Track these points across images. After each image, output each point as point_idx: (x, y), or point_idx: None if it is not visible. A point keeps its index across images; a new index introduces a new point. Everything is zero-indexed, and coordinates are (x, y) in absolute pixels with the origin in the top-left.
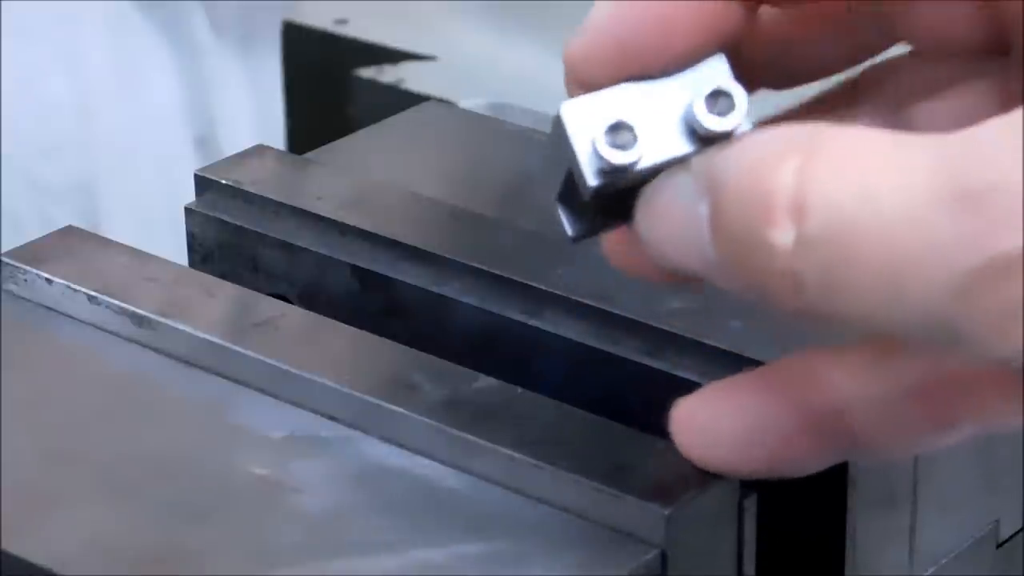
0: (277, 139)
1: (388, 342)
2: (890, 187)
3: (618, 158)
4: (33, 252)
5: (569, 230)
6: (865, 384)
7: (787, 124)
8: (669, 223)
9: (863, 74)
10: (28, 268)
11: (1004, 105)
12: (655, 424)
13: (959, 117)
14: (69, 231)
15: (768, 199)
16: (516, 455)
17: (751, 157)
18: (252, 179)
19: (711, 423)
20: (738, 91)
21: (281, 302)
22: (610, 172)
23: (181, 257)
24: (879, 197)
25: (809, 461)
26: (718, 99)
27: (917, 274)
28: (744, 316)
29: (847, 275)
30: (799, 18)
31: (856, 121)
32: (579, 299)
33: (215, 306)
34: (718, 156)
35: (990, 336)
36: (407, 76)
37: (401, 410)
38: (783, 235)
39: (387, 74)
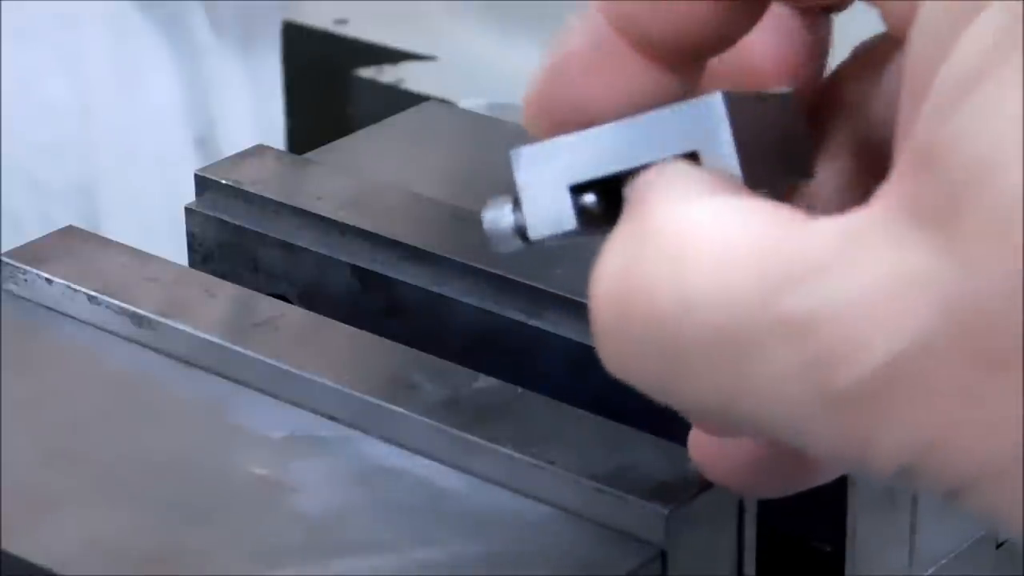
0: (277, 139)
1: (388, 342)
2: (715, 297)
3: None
4: (33, 252)
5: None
6: None
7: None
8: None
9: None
10: (28, 268)
11: None
12: (655, 424)
13: None
14: (69, 231)
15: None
16: (516, 455)
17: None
18: (252, 179)
19: (729, 446)
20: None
21: (281, 302)
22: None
23: (181, 257)
24: (699, 314)
25: (825, 475)
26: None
27: (759, 394)
28: None
29: (689, 365)
30: None
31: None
32: (579, 299)
33: (215, 306)
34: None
35: (842, 458)
36: (407, 76)
37: (401, 410)
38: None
39: (387, 74)
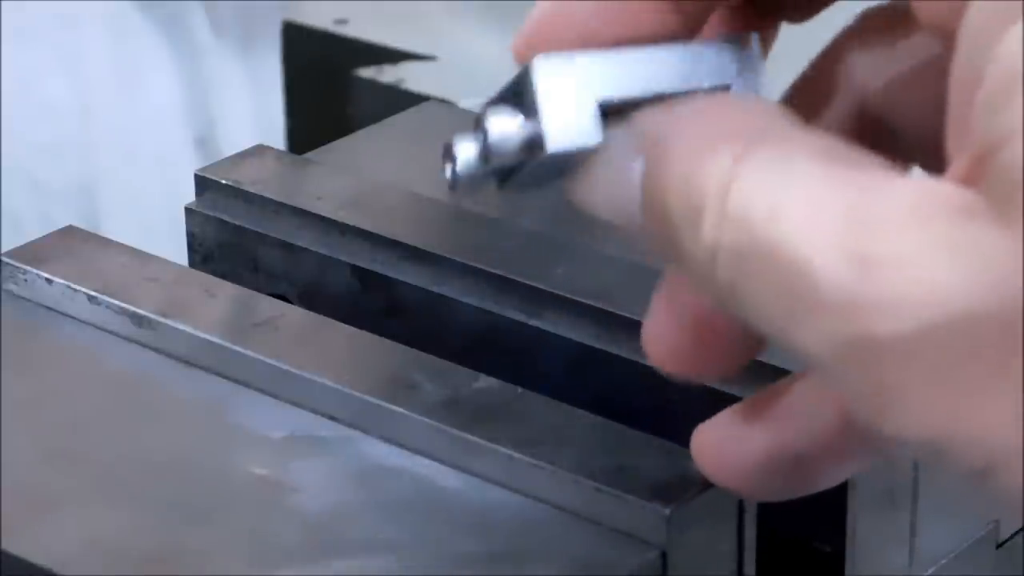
0: (277, 139)
1: (388, 342)
2: (799, 220)
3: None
4: (33, 252)
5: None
6: None
7: (745, 100)
8: (601, 176)
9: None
10: (28, 268)
11: None
12: (655, 424)
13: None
14: (69, 231)
15: (701, 179)
16: (516, 455)
17: (695, 131)
18: (252, 179)
19: (730, 449)
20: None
21: (281, 302)
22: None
23: (181, 257)
24: (787, 225)
25: (828, 481)
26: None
27: (803, 319)
28: None
29: (749, 286)
30: None
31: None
32: (579, 299)
33: (215, 306)
34: (660, 118)
35: (866, 408)
36: (407, 76)
37: (401, 410)
38: (708, 223)
39: (387, 74)
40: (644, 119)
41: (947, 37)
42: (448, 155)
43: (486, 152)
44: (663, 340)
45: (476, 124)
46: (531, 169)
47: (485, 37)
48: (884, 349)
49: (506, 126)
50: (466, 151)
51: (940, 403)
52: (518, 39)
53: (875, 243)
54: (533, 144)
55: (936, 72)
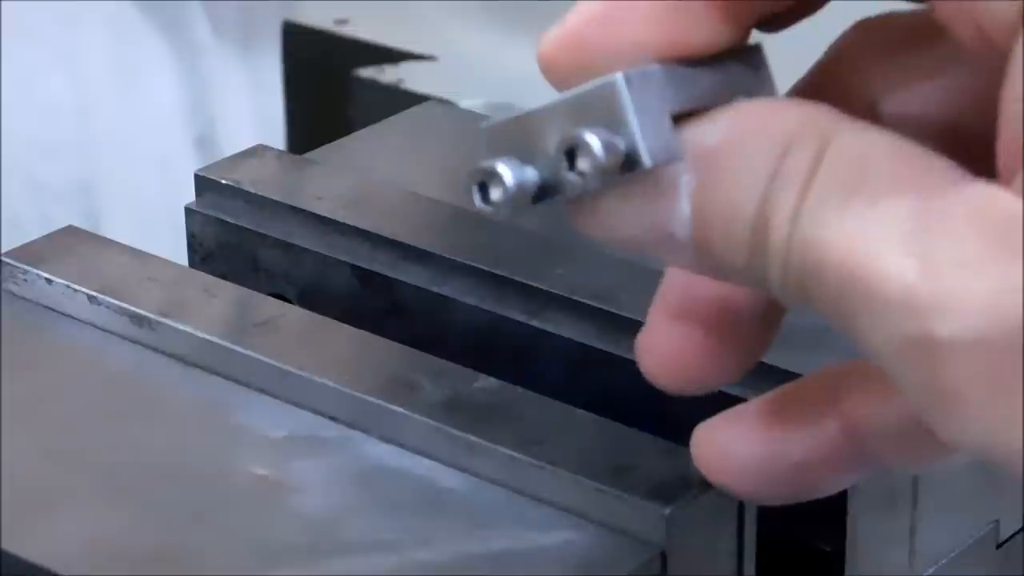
0: (277, 139)
1: (388, 342)
2: (867, 218)
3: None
4: (33, 252)
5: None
6: (886, 411)
7: (782, 103)
8: (637, 193)
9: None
10: (28, 268)
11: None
12: (655, 424)
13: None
14: (69, 231)
15: (770, 186)
16: (516, 455)
17: (755, 137)
18: (252, 179)
19: (730, 450)
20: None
21: (281, 302)
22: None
23: (181, 257)
24: (855, 224)
25: (827, 488)
26: (579, 153)
27: (867, 316)
28: None
29: (816, 283)
30: None
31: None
32: (579, 299)
33: (215, 306)
34: (714, 128)
35: (925, 409)
36: (407, 76)
37: (401, 410)
38: (778, 229)
39: (387, 74)
40: (695, 131)
41: (980, 48)
42: (490, 177)
43: (577, 171)
44: (663, 350)
45: (520, 142)
46: (592, 187)
47: (485, 37)
48: (943, 350)
49: (599, 144)
50: (515, 174)
51: (997, 408)
52: (550, 45)
53: (939, 244)
54: (634, 159)
55: (951, 79)
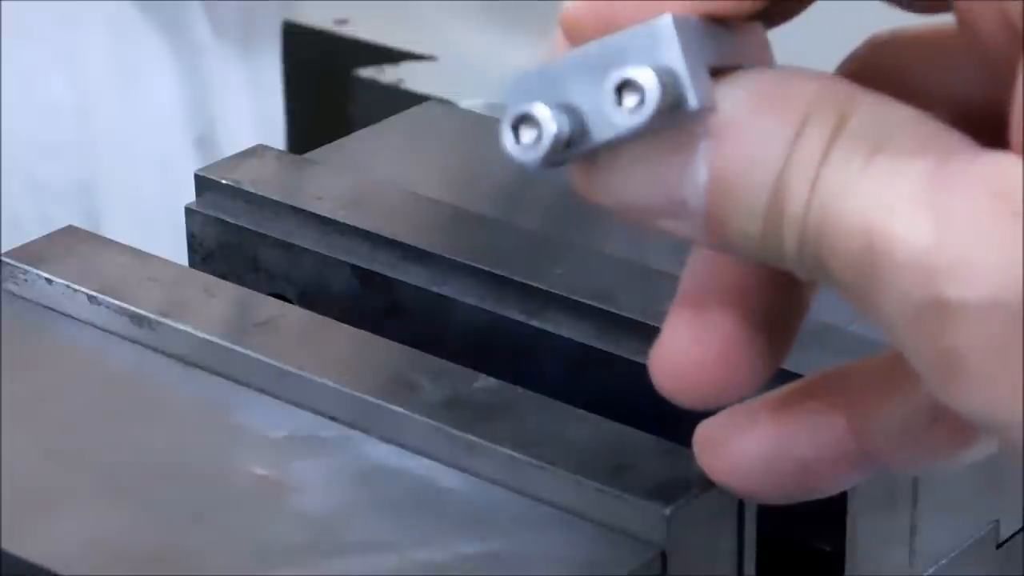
0: (277, 139)
1: (388, 342)
2: (883, 182)
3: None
4: (33, 252)
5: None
6: (889, 411)
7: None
8: (651, 156)
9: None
10: (28, 268)
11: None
12: (655, 424)
13: None
14: (69, 231)
15: (792, 152)
16: (516, 455)
17: (776, 103)
18: (252, 179)
19: (734, 448)
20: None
21: (281, 302)
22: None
23: (181, 257)
24: (871, 186)
25: (829, 488)
26: (625, 91)
27: (880, 280)
28: None
29: (831, 249)
30: None
31: None
32: (579, 299)
33: (215, 306)
34: (733, 93)
35: (934, 377)
36: (407, 76)
37: (401, 410)
38: (797, 196)
39: (387, 74)
40: (717, 91)
41: (1006, 39)
42: (527, 120)
43: (628, 110)
44: (680, 362)
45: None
46: (627, 138)
47: (485, 37)
48: (954, 314)
49: (655, 79)
50: (554, 115)
51: (1004, 376)
52: (577, 6)
53: (955, 210)
54: (684, 102)
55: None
